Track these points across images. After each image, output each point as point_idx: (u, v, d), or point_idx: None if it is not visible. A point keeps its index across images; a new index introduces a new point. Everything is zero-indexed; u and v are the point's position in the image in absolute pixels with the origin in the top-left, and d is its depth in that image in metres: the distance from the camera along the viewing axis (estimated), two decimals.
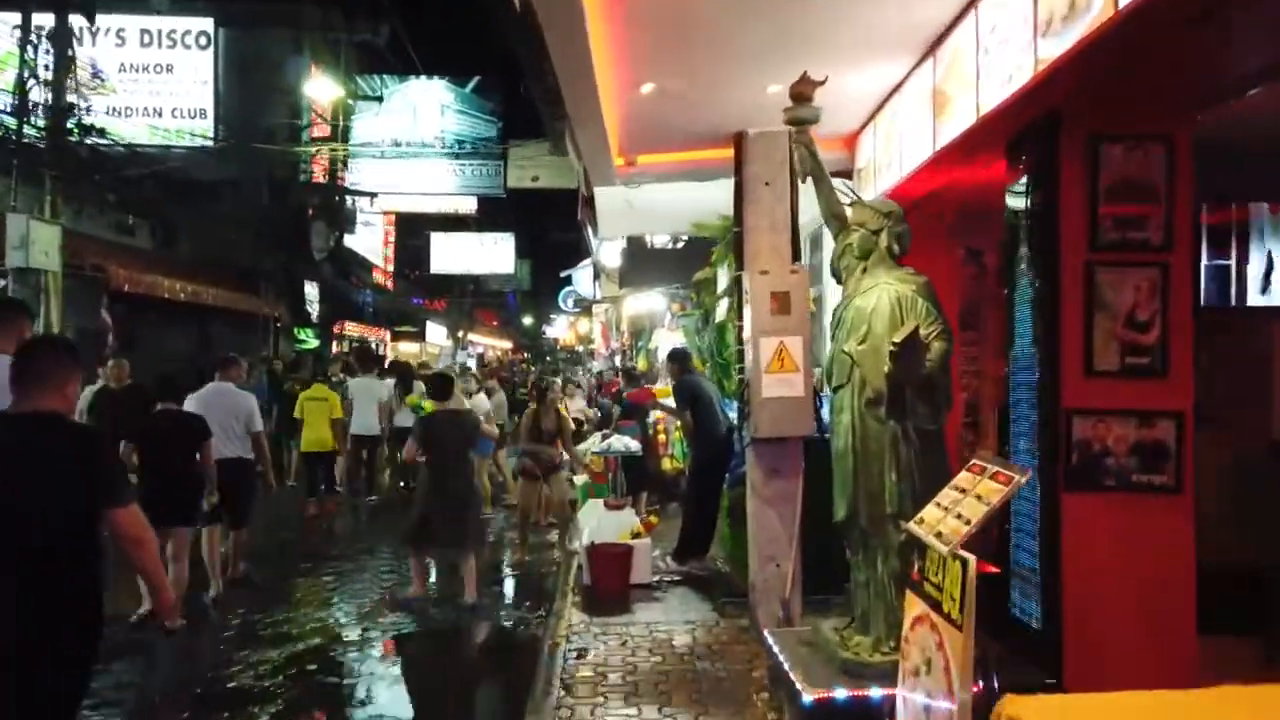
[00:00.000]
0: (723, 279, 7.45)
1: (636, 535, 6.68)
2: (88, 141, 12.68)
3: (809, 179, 4.16)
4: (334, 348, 23.06)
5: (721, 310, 7.50)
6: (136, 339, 13.56)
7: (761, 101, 4.66)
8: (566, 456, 8.35)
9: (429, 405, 7.17)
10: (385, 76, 22.77)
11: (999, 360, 4.59)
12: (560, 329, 45.39)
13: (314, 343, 21.49)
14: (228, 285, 16.62)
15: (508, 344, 48.77)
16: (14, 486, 2.58)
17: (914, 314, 3.52)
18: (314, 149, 19.90)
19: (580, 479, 9.25)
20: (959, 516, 2.64)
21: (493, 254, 29.84)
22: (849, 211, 4.06)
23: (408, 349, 32.97)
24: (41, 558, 2.59)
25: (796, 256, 5.09)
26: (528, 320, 50.09)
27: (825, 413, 5.66)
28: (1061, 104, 3.62)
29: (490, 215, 31.70)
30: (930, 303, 3.59)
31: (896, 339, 3.33)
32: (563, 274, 28.22)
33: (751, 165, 5.07)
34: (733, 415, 6.64)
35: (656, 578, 6.77)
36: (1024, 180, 3.91)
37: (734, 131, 5.14)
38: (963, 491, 2.74)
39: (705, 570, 7.00)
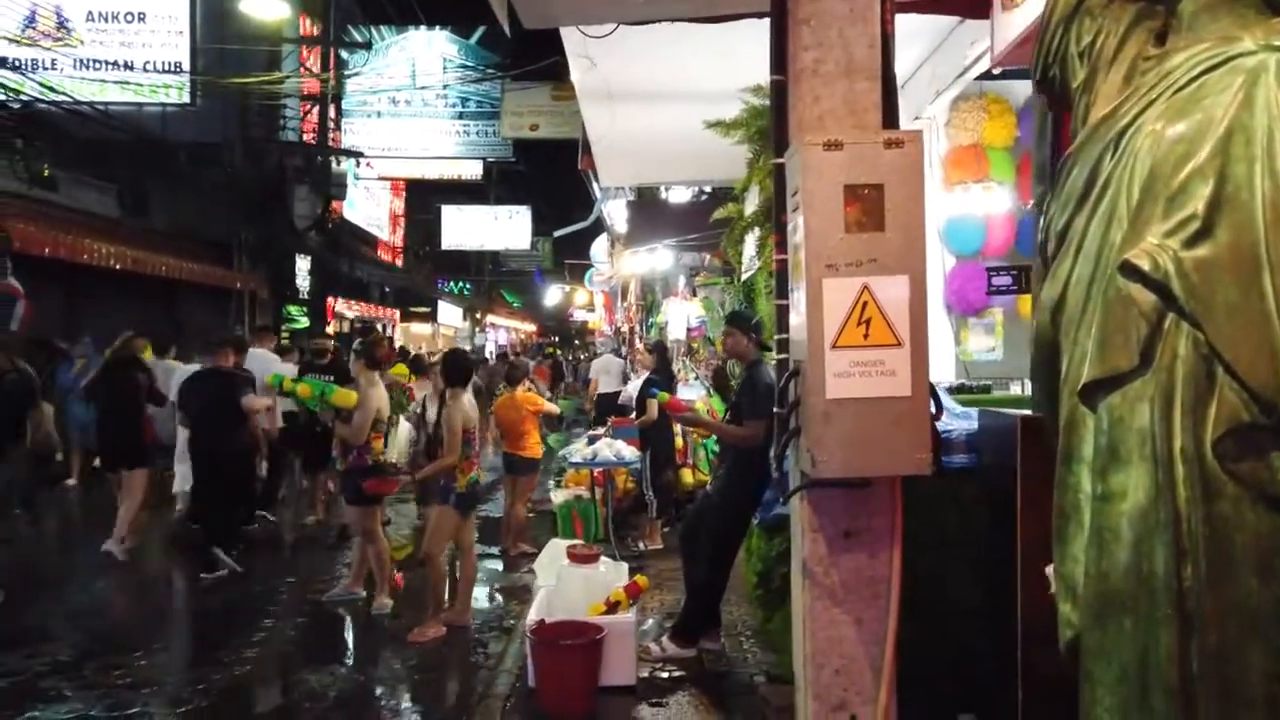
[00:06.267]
0: (752, 204, 4.79)
1: (614, 605, 4.26)
2: None
3: None
4: (330, 328, 21.26)
5: (749, 253, 4.81)
6: (73, 312, 11.90)
7: None
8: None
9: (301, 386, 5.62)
10: (382, 27, 20.70)
11: None
12: (591, 312, 43.21)
13: (304, 321, 19.54)
14: (189, 254, 14.56)
15: (531, 326, 46.67)
16: None
17: None
18: (297, 100, 17.71)
19: (558, 496, 6.83)
20: None
21: (508, 228, 27.80)
22: None
23: (419, 330, 30.99)
24: None
25: (893, 119, 2.62)
26: (552, 301, 47.93)
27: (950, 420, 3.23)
28: None
29: (510, 188, 29.67)
30: None
31: None
32: (556, 234, 25.86)
33: None
34: None
35: (647, 671, 4.35)
36: None
37: None
38: None
39: (721, 654, 4.57)
